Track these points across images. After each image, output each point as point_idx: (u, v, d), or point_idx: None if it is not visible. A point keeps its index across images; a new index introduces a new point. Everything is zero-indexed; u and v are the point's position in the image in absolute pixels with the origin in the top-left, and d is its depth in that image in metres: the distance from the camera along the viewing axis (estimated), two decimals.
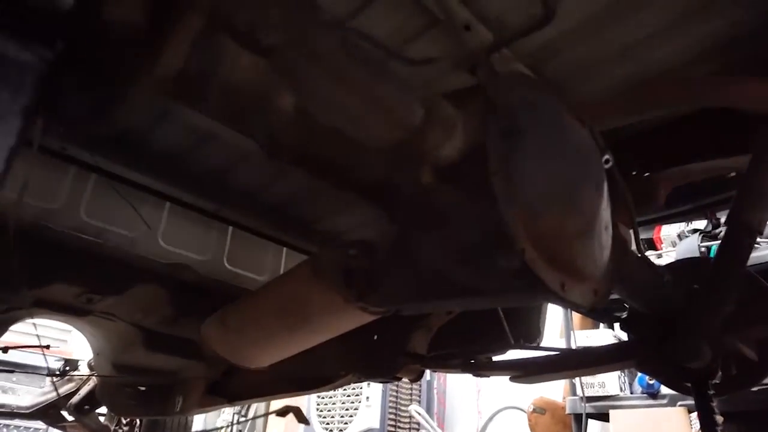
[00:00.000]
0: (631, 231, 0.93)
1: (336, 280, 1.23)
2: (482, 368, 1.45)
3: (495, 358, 1.50)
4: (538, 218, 0.58)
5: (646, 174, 1.18)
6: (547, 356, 1.38)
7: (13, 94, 0.30)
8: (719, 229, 2.67)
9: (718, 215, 2.73)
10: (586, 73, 0.92)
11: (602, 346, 1.30)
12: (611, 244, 0.73)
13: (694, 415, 2.60)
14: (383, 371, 1.68)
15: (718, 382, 1.03)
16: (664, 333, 1.07)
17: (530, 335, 1.77)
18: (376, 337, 1.80)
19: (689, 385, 1.08)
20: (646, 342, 1.20)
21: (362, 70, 0.46)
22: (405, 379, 1.94)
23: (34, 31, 0.29)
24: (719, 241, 2.66)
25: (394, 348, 1.69)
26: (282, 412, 1.69)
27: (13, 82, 0.30)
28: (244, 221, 1.75)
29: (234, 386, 2.29)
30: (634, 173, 1.16)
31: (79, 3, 0.30)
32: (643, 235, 1.61)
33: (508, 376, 1.39)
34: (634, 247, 0.97)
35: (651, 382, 2.79)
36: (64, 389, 3.22)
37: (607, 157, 0.73)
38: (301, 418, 1.79)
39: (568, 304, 0.73)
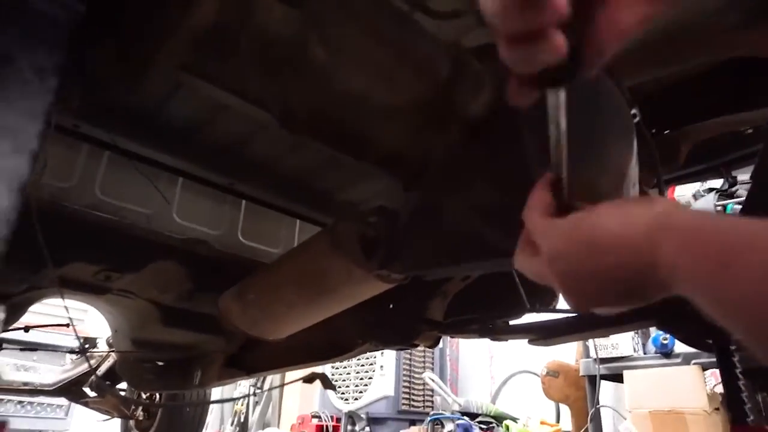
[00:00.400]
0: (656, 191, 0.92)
1: (354, 249, 1.23)
2: (500, 332, 1.46)
3: (512, 323, 1.51)
4: (573, 172, 0.57)
5: (666, 132, 1.16)
6: (565, 318, 1.39)
7: (48, 51, 0.30)
8: (735, 187, 2.64)
9: (734, 173, 2.69)
10: None
11: None
12: None
13: (709, 372, 2.63)
14: (401, 338, 1.69)
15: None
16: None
17: (546, 299, 1.78)
18: (391, 305, 1.82)
19: (710, 342, 1.08)
20: (668, 300, 1.20)
21: (391, 22, 0.45)
22: (419, 347, 1.96)
23: None
24: (735, 199, 2.64)
25: (411, 315, 1.71)
26: (309, 379, 1.72)
27: (47, 38, 0.29)
28: (258, 194, 1.74)
29: (251, 358, 2.33)
30: (654, 131, 1.14)
31: None
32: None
33: (526, 340, 1.40)
34: None
35: (665, 341, 2.81)
36: (84, 366, 3.29)
37: (634, 111, 0.72)
38: (327, 384, 1.82)
39: None
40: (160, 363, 2.63)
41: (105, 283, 1.72)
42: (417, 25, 0.47)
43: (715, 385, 2.56)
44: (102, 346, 3.43)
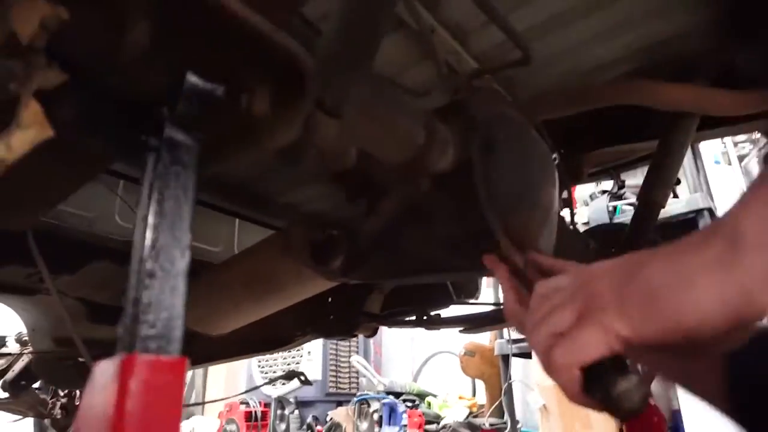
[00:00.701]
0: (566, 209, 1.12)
1: (304, 252, 1.34)
2: (434, 323, 1.63)
3: (444, 314, 1.70)
4: (512, 216, 0.73)
5: (572, 154, 1.37)
6: (489, 310, 1.58)
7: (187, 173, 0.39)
8: (623, 190, 3.02)
9: (622, 177, 3.08)
10: (533, 68, 1.02)
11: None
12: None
13: None
14: (341, 330, 1.82)
15: None
16: None
17: (470, 291, 1.98)
18: (330, 299, 1.95)
19: None
20: None
21: (388, 108, 0.56)
22: None
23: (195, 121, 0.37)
24: (624, 201, 3.03)
25: (351, 308, 1.84)
26: (288, 377, 1.80)
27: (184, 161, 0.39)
28: (201, 197, 1.78)
29: (187, 352, 2.34)
30: (561, 152, 1.34)
31: (228, 95, 0.38)
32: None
33: (458, 329, 1.59)
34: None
35: None
36: None
37: (555, 155, 0.89)
38: (306, 381, 1.92)
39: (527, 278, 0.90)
40: (82, 360, 2.56)
41: (36, 285, 1.69)
42: (405, 105, 0.59)
43: None
44: (11, 345, 3.24)
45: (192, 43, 0.37)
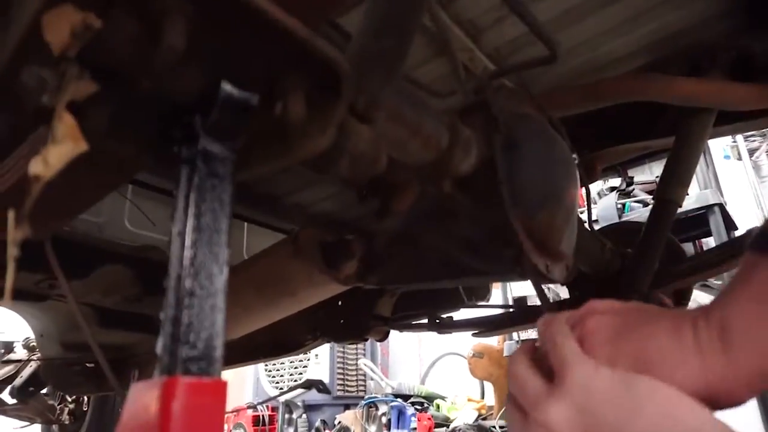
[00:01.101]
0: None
1: (315, 255, 1.33)
2: (446, 327, 1.62)
3: (456, 317, 1.68)
4: (535, 217, 0.72)
5: (585, 153, 1.36)
6: (502, 313, 1.57)
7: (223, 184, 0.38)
8: (632, 187, 3.00)
9: (630, 174, 3.07)
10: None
11: (548, 303, 1.50)
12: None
13: None
14: (352, 334, 1.81)
15: None
16: (602, 290, 1.28)
17: (480, 294, 1.97)
18: (341, 303, 1.93)
19: None
20: (587, 298, 1.42)
21: (415, 110, 0.56)
22: None
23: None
24: (632, 198, 3.01)
25: (361, 312, 1.83)
26: (306, 386, 1.79)
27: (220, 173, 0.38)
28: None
29: None
30: (580, 151, 1.33)
31: (262, 101, 0.37)
32: None
33: (470, 333, 1.58)
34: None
35: None
36: (2, 373, 3.10)
37: (574, 155, 0.88)
38: (325, 390, 1.90)
39: (548, 281, 0.89)
40: (90, 365, 2.56)
41: (47, 291, 1.69)
42: (429, 108, 0.58)
43: None
44: (19, 351, 3.24)
45: (227, 50, 0.36)
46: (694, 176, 2.97)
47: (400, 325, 1.75)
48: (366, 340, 1.89)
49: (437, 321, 1.60)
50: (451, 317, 1.66)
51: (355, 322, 1.82)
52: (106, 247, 1.63)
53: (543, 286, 1.08)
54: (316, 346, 2.05)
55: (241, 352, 2.08)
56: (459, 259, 0.83)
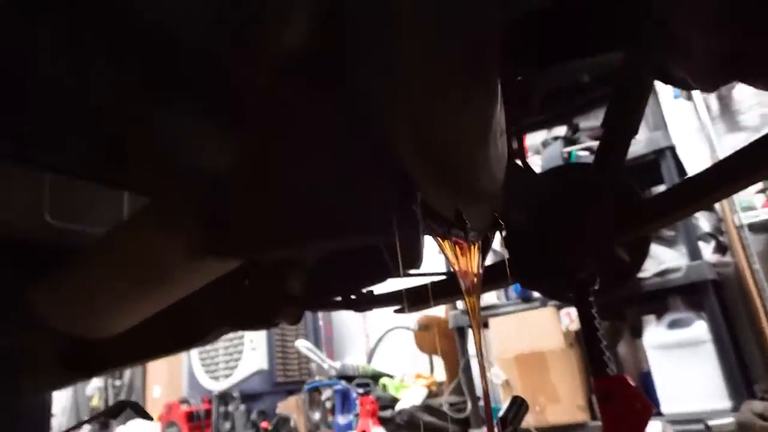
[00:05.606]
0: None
1: (182, 226, 1.02)
2: (364, 303, 1.36)
3: (376, 291, 1.42)
4: (430, 124, 0.43)
5: (519, 77, 1.09)
6: (430, 283, 1.31)
7: None
8: (577, 134, 2.81)
9: (575, 121, 2.88)
10: None
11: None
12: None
13: (563, 312, 2.84)
14: (260, 319, 1.52)
15: (597, 287, 1.03)
16: (544, 248, 1.04)
17: (411, 261, 1.69)
18: (246, 282, 1.64)
19: (570, 295, 1.07)
20: (527, 258, 1.16)
21: None
22: None
23: None
24: (578, 145, 2.82)
25: (269, 293, 1.54)
26: (113, 413, 1.44)
27: None
28: (63, 163, 1.40)
29: (97, 355, 2.00)
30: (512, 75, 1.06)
31: None
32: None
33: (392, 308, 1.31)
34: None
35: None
36: None
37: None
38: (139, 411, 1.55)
39: (461, 234, 0.62)
40: None
41: None
42: None
43: (569, 324, 2.78)
44: None
45: None
46: (644, 119, 2.80)
47: (313, 304, 1.47)
48: (276, 324, 1.59)
49: (353, 297, 1.32)
50: (372, 291, 1.39)
51: (260, 304, 1.52)
52: None
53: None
54: (223, 334, 1.75)
55: (131, 350, 1.74)
56: (328, 208, 0.55)
